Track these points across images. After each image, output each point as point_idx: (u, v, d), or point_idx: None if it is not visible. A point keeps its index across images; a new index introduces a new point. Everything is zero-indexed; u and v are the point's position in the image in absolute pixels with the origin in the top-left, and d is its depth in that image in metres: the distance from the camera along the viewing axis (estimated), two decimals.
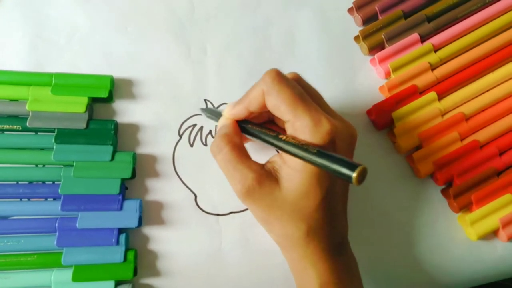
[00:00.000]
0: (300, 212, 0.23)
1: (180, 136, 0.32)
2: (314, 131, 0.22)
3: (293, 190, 0.23)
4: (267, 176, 0.24)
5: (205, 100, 0.33)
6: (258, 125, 0.26)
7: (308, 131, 0.22)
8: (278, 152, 0.27)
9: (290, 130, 0.24)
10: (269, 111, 0.25)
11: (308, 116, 0.22)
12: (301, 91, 0.24)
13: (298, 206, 0.23)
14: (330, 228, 0.24)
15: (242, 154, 0.24)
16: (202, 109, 0.32)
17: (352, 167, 0.19)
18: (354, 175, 0.19)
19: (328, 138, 0.22)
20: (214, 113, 0.29)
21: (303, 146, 0.22)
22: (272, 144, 0.24)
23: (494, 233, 0.32)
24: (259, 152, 0.31)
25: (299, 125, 0.23)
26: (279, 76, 0.24)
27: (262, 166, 0.24)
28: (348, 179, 0.19)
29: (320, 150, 0.21)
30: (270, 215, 0.24)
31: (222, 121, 0.27)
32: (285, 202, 0.23)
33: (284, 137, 0.23)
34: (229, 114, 0.26)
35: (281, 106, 0.23)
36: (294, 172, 0.23)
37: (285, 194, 0.23)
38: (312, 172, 0.23)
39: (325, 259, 0.24)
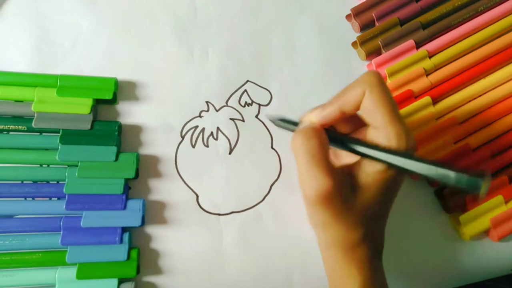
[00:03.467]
0: (366, 217, 0.23)
1: (182, 137, 0.33)
2: (403, 141, 0.22)
3: (367, 198, 0.23)
4: (343, 184, 0.22)
5: (206, 102, 0.34)
6: (340, 132, 0.24)
7: (398, 140, 0.22)
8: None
9: (379, 137, 0.23)
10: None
11: (402, 126, 0.22)
12: (395, 102, 0.23)
13: (367, 212, 0.23)
14: (380, 234, 0.25)
15: (327, 154, 0.22)
16: (277, 119, 0.27)
17: (480, 175, 0.18)
18: (484, 184, 0.18)
19: (413, 151, 0.22)
20: (289, 122, 0.26)
21: (419, 158, 0.21)
22: (360, 153, 0.22)
23: (485, 233, 0.33)
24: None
25: (392, 133, 0.22)
26: (380, 77, 0.23)
27: (341, 171, 0.23)
28: (475, 190, 0.18)
29: (440, 162, 0.20)
30: (335, 221, 0.23)
31: (307, 122, 0.25)
32: (355, 208, 0.23)
33: (375, 144, 0.22)
34: (317, 117, 0.24)
35: (379, 110, 0.22)
36: (372, 180, 0.23)
37: (358, 201, 0.23)
38: (388, 181, 0.23)
39: (370, 263, 0.24)
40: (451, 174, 0.19)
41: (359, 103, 0.23)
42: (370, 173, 0.23)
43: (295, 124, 0.26)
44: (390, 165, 0.22)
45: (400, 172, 0.22)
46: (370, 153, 0.22)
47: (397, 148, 0.22)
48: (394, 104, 0.23)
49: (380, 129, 0.23)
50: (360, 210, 0.23)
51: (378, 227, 0.25)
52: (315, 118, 0.24)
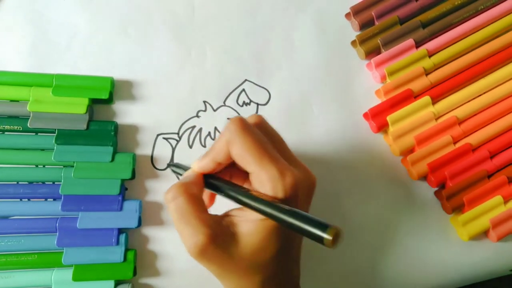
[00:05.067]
0: (257, 265, 0.22)
1: (180, 137, 0.33)
2: (278, 183, 0.22)
3: (251, 245, 0.22)
4: (222, 232, 0.22)
5: (204, 101, 0.34)
6: (225, 180, 0.24)
7: (272, 183, 0.22)
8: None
9: (255, 182, 0.23)
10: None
11: (273, 168, 0.22)
12: (265, 140, 0.23)
13: (255, 260, 0.22)
14: (285, 276, 0.24)
15: (198, 207, 0.22)
16: (169, 164, 0.31)
17: (324, 228, 0.18)
18: (328, 237, 0.18)
19: (291, 191, 0.22)
20: (182, 168, 0.27)
21: (275, 203, 0.21)
22: (238, 200, 0.22)
23: (485, 234, 0.33)
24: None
25: (264, 177, 0.22)
26: (242, 124, 0.23)
27: (220, 220, 0.23)
28: (320, 242, 0.18)
29: (294, 210, 0.20)
30: (224, 271, 0.23)
31: (187, 173, 0.25)
32: (241, 257, 0.22)
33: (252, 193, 0.22)
34: (197, 168, 0.24)
35: (245, 156, 0.22)
36: (254, 227, 0.22)
37: (241, 250, 0.22)
38: (271, 227, 0.22)
39: None
40: (302, 226, 0.19)
41: (228, 153, 0.23)
42: (252, 219, 0.22)
43: (185, 170, 0.26)
44: (263, 213, 0.21)
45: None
46: (244, 201, 0.22)
47: (273, 192, 0.22)
48: (263, 147, 0.22)
49: (254, 175, 0.23)
50: (249, 257, 0.22)
51: (285, 269, 0.24)
52: (194, 168, 0.25)
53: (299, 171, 0.23)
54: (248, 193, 0.22)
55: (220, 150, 0.23)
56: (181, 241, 0.22)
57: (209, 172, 0.24)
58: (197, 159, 0.25)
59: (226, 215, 0.24)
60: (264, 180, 0.22)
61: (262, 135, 0.23)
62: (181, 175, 0.26)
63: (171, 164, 0.29)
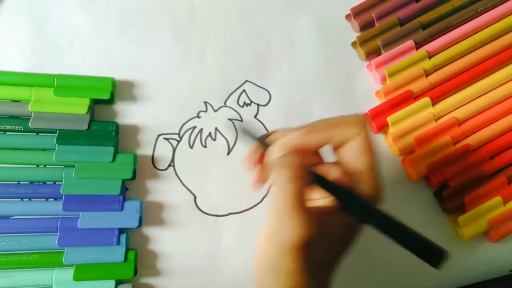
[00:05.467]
0: (319, 266, 0.22)
1: (180, 138, 0.33)
2: (378, 194, 0.22)
3: (324, 248, 0.22)
4: (316, 232, 0.21)
5: (205, 102, 0.34)
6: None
7: (374, 192, 0.22)
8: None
9: (343, 177, 0.22)
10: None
11: (379, 178, 0.22)
12: (376, 157, 0.23)
13: (323, 261, 0.22)
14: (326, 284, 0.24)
15: (305, 200, 0.21)
16: (241, 130, 0.28)
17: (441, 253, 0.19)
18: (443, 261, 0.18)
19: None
20: (257, 136, 0.24)
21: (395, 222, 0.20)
22: (350, 209, 0.21)
23: (484, 234, 0.33)
24: None
25: (369, 182, 0.22)
26: (369, 132, 0.22)
27: (316, 218, 0.21)
28: (433, 265, 0.19)
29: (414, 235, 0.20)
30: (298, 271, 0.21)
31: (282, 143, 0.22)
32: (318, 258, 0.22)
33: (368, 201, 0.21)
34: (302, 141, 0.22)
35: (362, 157, 0.22)
36: (338, 233, 0.22)
37: (321, 251, 0.22)
38: (350, 233, 0.23)
39: None
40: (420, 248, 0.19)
41: (343, 143, 0.22)
42: (338, 224, 0.22)
43: (260, 139, 0.24)
44: (367, 224, 0.21)
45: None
46: (351, 204, 0.21)
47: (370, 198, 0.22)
48: (375, 154, 0.22)
49: (356, 175, 0.22)
50: (321, 258, 0.22)
51: (325, 276, 0.23)
52: (295, 141, 0.22)
53: None
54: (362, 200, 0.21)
55: (339, 138, 0.22)
56: (275, 229, 0.20)
57: (307, 151, 0.23)
58: (288, 131, 0.23)
59: (321, 210, 0.23)
60: (367, 185, 0.22)
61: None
62: (264, 144, 0.23)
63: (245, 129, 0.26)
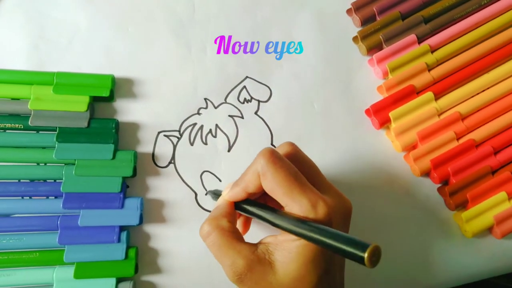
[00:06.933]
0: None
1: (181, 134, 0.33)
2: (310, 215, 0.22)
3: (288, 275, 0.22)
4: (258, 261, 0.22)
5: (205, 99, 0.34)
6: (258, 203, 0.25)
7: (304, 215, 0.22)
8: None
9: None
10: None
11: (304, 200, 0.22)
12: (296, 171, 0.23)
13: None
14: None
15: (232, 238, 0.23)
16: (209, 192, 0.32)
17: (362, 247, 0.17)
18: (365, 255, 0.17)
19: (325, 220, 0.22)
20: (218, 194, 0.28)
21: (308, 223, 0.21)
22: (271, 222, 0.23)
23: (488, 230, 0.33)
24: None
25: (296, 209, 0.22)
26: (273, 156, 0.23)
27: (255, 249, 0.23)
28: (359, 260, 0.17)
29: (326, 228, 0.20)
30: None
31: (218, 202, 0.26)
32: (280, 286, 0.22)
33: (285, 214, 0.22)
34: (227, 197, 0.25)
35: (276, 189, 0.22)
36: (290, 255, 0.22)
37: (279, 279, 0.22)
38: (309, 255, 0.22)
39: None
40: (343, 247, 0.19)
41: (258, 184, 0.23)
42: (287, 247, 0.22)
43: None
44: (301, 236, 0.21)
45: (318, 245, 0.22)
46: (275, 222, 0.22)
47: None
48: (293, 179, 0.22)
49: (287, 208, 0.23)
50: (289, 286, 0.22)
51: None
52: (225, 196, 0.25)
53: (332, 199, 0.23)
54: (280, 213, 0.22)
55: (250, 182, 0.24)
56: (224, 272, 0.23)
57: (241, 200, 0.25)
58: (228, 187, 0.26)
59: (261, 243, 0.24)
60: (296, 212, 0.22)
61: (293, 167, 0.23)
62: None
63: (211, 191, 0.30)
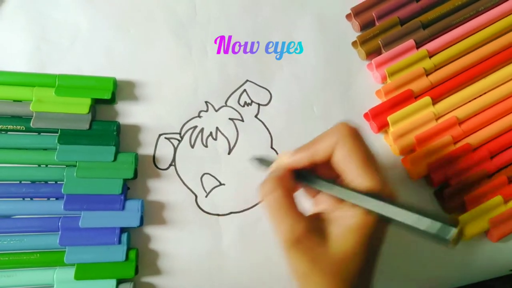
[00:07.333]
0: (345, 272, 0.22)
1: (181, 137, 0.33)
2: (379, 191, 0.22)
3: (342, 250, 0.22)
4: (315, 230, 0.22)
5: (206, 102, 0.34)
6: (314, 174, 0.24)
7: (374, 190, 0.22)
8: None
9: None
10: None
11: (375, 178, 0.22)
12: (371, 152, 0.23)
13: (344, 266, 0.22)
14: (365, 285, 0.24)
15: (293, 202, 0.23)
16: (255, 159, 0.30)
17: (453, 222, 0.17)
18: (453, 230, 0.17)
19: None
20: (264, 162, 0.27)
21: (387, 200, 0.20)
22: (339, 192, 0.22)
23: (484, 234, 0.33)
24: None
25: (367, 183, 0.22)
26: (355, 131, 0.23)
27: (310, 218, 0.23)
28: (443, 239, 0.17)
29: (412, 205, 0.20)
30: (312, 270, 0.22)
31: (277, 165, 0.25)
32: (331, 260, 0.22)
33: (354, 188, 0.22)
34: (289, 161, 0.24)
35: (350, 163, 0.22)
36: (346, 231, 0.22)
37: (332, 253, 0.22)
38: (366, 234, 0.22)
39: None
40: (426, 222, 0.19)
41: (329, 154, 0.23)
42: (344, 224, 0.22)
43: (269, 164, 0.26)
44: (367, 211, 0.21)
45: (378, 221, 0.22)
46: (344, 195, 0.22)
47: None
48: (368, 156, 0.23)
49: (353, 182, 0.23)
50: (340, 264, 0.22)
51: (368, 279, 0.23)
52: (285, 162, 0.25)
53: (389, 185, 0.23)
54: (350, 188, 0.22)
55: (322, 150, 0.23)
56: (276, 233, 0.23)
57: (301, 168, 0.24)
58: (286, 153, 0.25)
59: (317, 215, 0.24)
60: (365, 186, 0.22)
61: (368, 147, 0.23)
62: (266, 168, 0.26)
63: (256, 158, 0.29)
